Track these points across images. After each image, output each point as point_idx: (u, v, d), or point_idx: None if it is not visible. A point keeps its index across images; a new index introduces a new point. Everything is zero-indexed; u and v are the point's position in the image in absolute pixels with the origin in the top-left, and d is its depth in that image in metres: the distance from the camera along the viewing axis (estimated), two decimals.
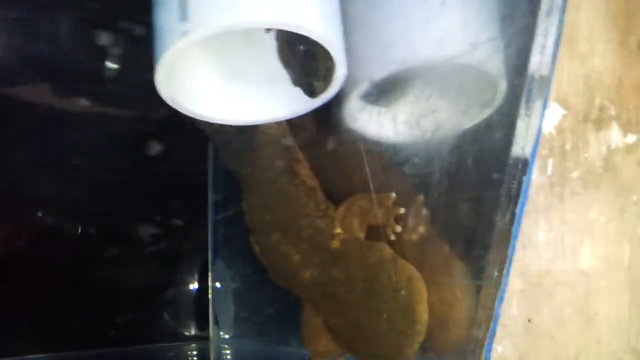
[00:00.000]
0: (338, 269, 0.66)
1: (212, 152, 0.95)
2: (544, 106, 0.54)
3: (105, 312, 0.92)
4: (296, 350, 0.76)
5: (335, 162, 0.72)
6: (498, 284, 0.56)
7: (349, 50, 0.60)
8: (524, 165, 0.55)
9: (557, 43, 0.53)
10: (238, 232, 0.78)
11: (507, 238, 0.56)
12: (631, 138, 0.62)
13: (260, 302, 0.89)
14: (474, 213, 0.58)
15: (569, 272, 0.63)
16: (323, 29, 0.55)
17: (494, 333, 0.57)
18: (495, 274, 0.56)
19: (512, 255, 0.56)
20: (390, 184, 0.65)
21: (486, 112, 0.57)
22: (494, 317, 0.56)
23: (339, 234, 0.68)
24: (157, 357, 0.96)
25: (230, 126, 0.69)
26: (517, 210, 0.55)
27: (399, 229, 0.64)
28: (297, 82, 0.62)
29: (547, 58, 0.53)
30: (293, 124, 0.73)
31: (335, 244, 0.68)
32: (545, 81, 0.53)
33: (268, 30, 0.63)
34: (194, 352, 0.98)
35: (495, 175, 0.56)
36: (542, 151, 0.60)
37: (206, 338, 0.98)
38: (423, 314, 0.59)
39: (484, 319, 0.57)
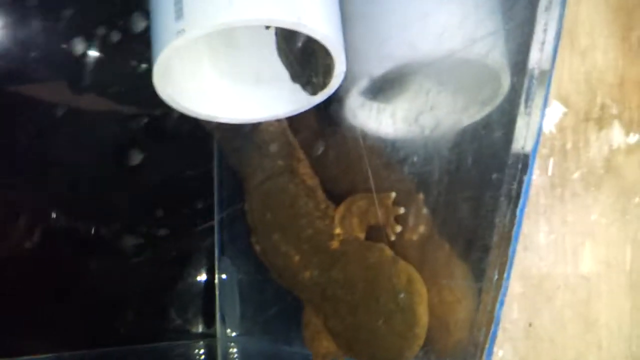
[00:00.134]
0: (337, 270, 0.65)
1: (217, 151, 0.94)
2: (545, 104, 0.53)
3: (113, 311, 0.92)
4: (300, 350, 0.75)
5: (336, 160, 0.71)
6: (499, 287, 0.55)
7: (347, 45, 0.59)
8: (524, 165, 0.54)
9: (557, 38, 0.51)
10: (243, 231, 0.77)
11: (507, 240, 0.55)
12: (633, 138, 0.60)
13: (264, 300, 0.88)
14: (474, 214, 0.57)
15: (569, 276, 0.61)
16: (321, 25, 0.55)
17: (494, 337, 0.55)
18: (496, 276, 0.55)
19: (512, 257, 0.55)
20: (391, 182, 0.64)
21: (486, 110, 0.56)
22: (495, 321, 0.55)
23: (338, 234, 0.67)
24: (166, 355, 0.95)
25: (231, 124, 0.68)
26: (518, 212, 0.54)
27: (399, 229, 0.63)
28: (296, 79, 0.61)
29: (547, 54, 0.52)
30: (293, 122, 0.72)
31: (334, 244, 0.67)
32: (546, 78, 0.52)
33: (267, 26, 0.62)
34: (202, 350, 0.97)
35: (495, 175, 0.55)
36: (543, 150, 0.58)
37: (213, 335, 0.97)
38: (423, 316, 0.59)
39: (484, 322, 0.55)
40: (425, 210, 0.61)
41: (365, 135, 0.66)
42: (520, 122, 0.53)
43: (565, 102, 0.59)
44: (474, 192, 0.57)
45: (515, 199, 0.54)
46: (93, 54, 0.82)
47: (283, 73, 0.63)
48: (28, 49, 0.82)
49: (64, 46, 0.81)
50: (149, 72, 0.57)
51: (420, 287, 0.59)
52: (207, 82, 0.65)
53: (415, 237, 0.62)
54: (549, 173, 0.60)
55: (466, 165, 0.57)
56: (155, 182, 0.93)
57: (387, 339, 0.60)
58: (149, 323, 0.95)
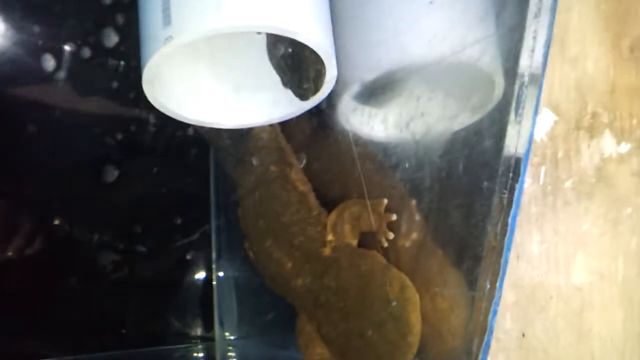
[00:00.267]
0: (330, 277, 0.64)
1: (213, 154, 0.93)
2: (535, 112, 0.51)
3: (112, 315, 0.91)
4: (296, 354, 0.73)
5: (329, 165, 0.70)
6: (491, 296, 0.54)
7: (339, 50, 0.58)
8: (516, 173, 0.53)
9: (547, 46, 0.50)
10: (240, 235, 0.76)
11: (499, 248, 0.54)
12: (624, 147, 0.59)
13: (261, 304, 0.88)
14: (466, 222, 0.56)
15: (562, 286, 0.61)
16: (311, 32, 0.54)
17: (488, 347, 0.54)
18: (488, 285, 0.54)
19: (505, 267, 0.54)
20: (383, 187, 0.63)
21: (477, 116, 0.55)
22: (488, 330, 0.54)
23: (330, 241, 0.66)
24: (166, 359, 0.94)
25: (223, 130, 0.67)
26: (510, 220, 0.53)
27: (391, 235, 0.62)
28: (287, 84, 0.60)
29: (537, 61, 0.51)
30: (286, 127, 0.71)
31: (326, 251, 0.66)
32: (536, 85, 0.51)
33: (259, 31, 0.61)
34: (201, 354, 0.96)
35: (486, 183, 0.54)
36: (534, 158, 0.57)
37: (212, 339, 0.96)
38: (416, 324, 0.57)
39: (477, 331, 0.54)
40: (417, 217, 0.61)
41: (357, 140, 0.65)
42: (511, 130, 0.52)
43: (556, 110, 0.58)
44: (465, 199, 0.56)
45: (506, 207, 0.53)
46: (63, 70, 0.80)
47: (275, 78, 0.62)
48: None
49: (34, 62, 0.79)
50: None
51: (413, 295, 0.58)
52: (198, 87, 0.64)
53: (407, 244, 0.61)
54: (541, 181, 0.59)
55: (457, 173, 0.56)
56: (150, 191, 0.93)
57: (379, 347, 0.59)
58: (148, 327, 0.94)
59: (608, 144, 0.60)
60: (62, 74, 0.80)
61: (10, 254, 0.84)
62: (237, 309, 0.95)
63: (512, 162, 0.52)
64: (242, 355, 0.95)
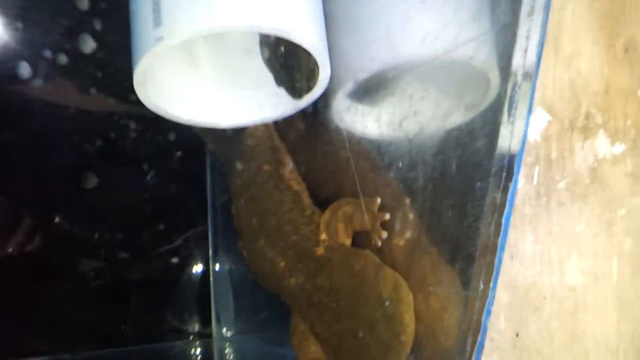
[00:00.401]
0: (323, 276, 0.63)
1: (209, 152, 0.92)
2: (529, 112, 0.50)
3: (110, 312, 0.91)
4: (292, 352, 0.72)
5: (324, 164, 0.69)
6: (485, 296, 0.53)
7: (332, 49, 0.58)
8: (509, 174, 0.52)
9: (540, 45, 0.49)
10: (235, 233, 0.75)
11: (493, 248, 0.53)
12: (618, 148, 0.58)
13: (257, 302, 0.87)
14: (459, 222, 0.55)
15: (556, 286, 0.59)
16: (303, 31, 0.53)
17: (482, 347, 0.54)
18: (482, 286, 0.53)
19: (499, 267, 0.53)
20: (377, 186, 0.62)
21: (471, 114, 0.54)
22: (482, 330, 0.53)
23: (324, 240, 0.65)
24: (164, 355, 0.94)
25: (217, 129, 0.66)
26: (503, 220, 0.52)
27: (385, 234, 0.61)
28: (280, 83, 0.59)
29: (531, 61, 0.50)
30: (281, 126, 0.70)
31: (320, 250, 0.65)
32: (529, 85, 0.50)
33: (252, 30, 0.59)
34: (198, 350, 0.96)
35: (479, 183, 0.53)
36: (528, 159, 0.56)
37: (210, 335, 0.96)
38: (409, 324, 0.56)
39: (471, 331, 0.54)
40: (411, 216, 0.60)
41: (351, 139, 0.64)
42: (504, 130, 0.51)
43: (549, 110, 0.57)
44: (459, 199, 0.55)
45: (500, 207, 0.52)
46: (39, 78, 0.79)
47: (268, 77, 0.61)
48: None
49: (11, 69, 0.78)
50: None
51: (406, 295, 0.57)
52: (190, 86, 0.64)
53: (401, 243, 0.61)
54: (535, 182, 0.58)
55: (451, 172, 0.55)
56: (147, 191, 0.92)
57: (373, 347, 0.58)
58: (146, 324, 0.93)
59: (602, 145, 0.59)
60: (38, 81, 0.78)
61: (10, 249, 0.82)
62: (234, 306, 0.94)
63: (506, 162, 0.51)
64: (238, 351, 0.95)
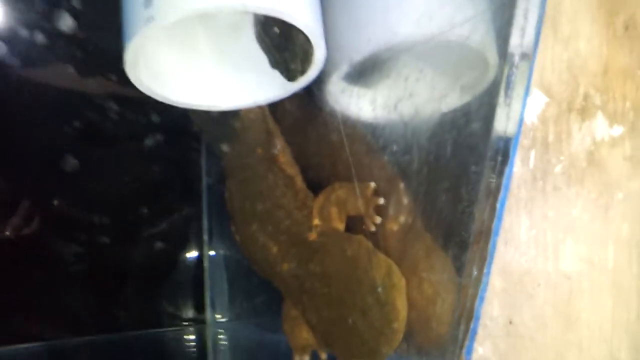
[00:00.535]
0: (315, 262, 0.61)
1: (203, 136, 0.90)
2: (526, 93, 0.48)
3: (106, 298, 0.89)
4: (285, 338, 0.71)
5: (319, 147, 0.67)
6: (478, 283, 0.52)
7: (327, 30, 0.56)
8: (505, 157, 0.50)
9: (538, 24, 0.47)
10: (229, 218, 0.73)
11: (487, 234, 0.52)
12: (617, 130, 0.56)
13: (251, 288, 0.86)
14: (454, 206, 0.54)
15: (550, 273, 0.58)
16: (297, 11, 0.51)
17: (475, 333, 0.53)
18: (475, 272, 0.52)
19: (492, 252, 0.52)
20: (372, 170, 0.60)
21: (467, 97, 0.53)
22: (475, 317, 0.52)
23: (317, 225, 0.63)
24: (158, 341, 0.93)
25: (211, 111, 0.64)
26: (498, 205, 0.51)
27: (378, 219, 0.59)
28: (274, 65, 0.57)
29: (528, 41, 0.48)
30: (276, 108, 0.68)
31: (313, 235, 0.63)
32: (527, 66, 0.48)
33: (246, 11, 0.57)
34: (192, 336, 0.94)
35: (474, 167, 0.51)
36: (525, 141, 0.55)
37: (204, 322, 0.95)
38: (401, 311, 0.55)
39: (464, 318, 0.53)
40: (406, 200, 0.58)
41: (346, 122, 0.62)
42: (501, 112, 0.49)
43: (547, 91, 0.56)
44: (453, 183, 0.53)
45: (495, 191, 0.51)
46: (16, 57, 0.76)
47: (263, 59, 0.59)
48: None
49: None
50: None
51: (399, 281, 0.56)
52: (184, 68, 0.61)
53: (395, 227, 0.59)
54: (531, 165, 0.56)
55: (446, 156, 0.54)
56: (141, 175, 0.90)
57: (365, 333, 0.56)
58: (142, 310, 0.92)
59: (600, 127, 0.57)
60: (15, 60, 0.75)
61: (7, 233, 0.80)
62: (228, 292, 0.93)
63: (501, 145, 0.50)
64: (232, 337, 0.94)
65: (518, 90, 0.48)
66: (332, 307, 0.59)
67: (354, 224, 0.62)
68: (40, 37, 0.73)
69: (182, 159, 0.92)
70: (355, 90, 0.61)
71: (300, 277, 0.63)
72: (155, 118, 0.82)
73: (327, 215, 0.63)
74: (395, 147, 0.58)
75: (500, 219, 0.51)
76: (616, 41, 0.57)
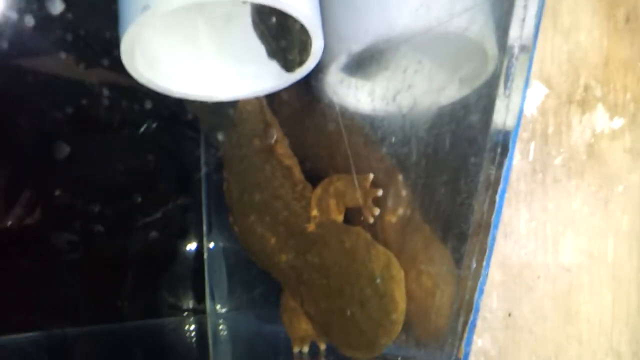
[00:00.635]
0: (313, 253, 0.60)
1: (202, 126, 0.89)
2: (526, 85, 0.47)
3: (106, 288, 0.87)
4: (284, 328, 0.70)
5: (317, 138, 0.66)
6: (477, 275, 0.51)
7: (326, 20, 0.54)
8: (504, 149, 0.49)
9: (538, 15, 0.46)
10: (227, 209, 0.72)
11: (486, 226, 0.51)
12: (617, 122, 0.55)
13: (250, 278, 0.85)
14: (453, 199, 0.52)
15: (550, 266, 0.58)
16: (295, 0, 0.49)
17: (474, 326, 0.52)
18: (474, 265, 0.51)
19: (492, 245, 0.51)
20: (370, 161, 0.59)
21: (467, 89, 0.51)
22: (474, 310, 0.51)
23: (315, 216, 0.62)
24: (159, 331, 0.91)
25: (209, 102, 0.63)
26: (498, 197, 0.50)
27: (377, 211, 0.58)
28: (272, 55, 0.56)
29: (528, 32, 0.47)
30: (274, 99, 0.67)
31: (311, 227, 0.62)
32: (527, 57, 0.47)
33: (244, 0, 0.56)
34: (192, 326, 0.93)
35: (473, 159, 0.50)
36: (524, 134, 0.54)
37: (204, 312, 0.93)
38: (400, 302, 0.54)
39: (463, 310, 0.52)
40: (404, 192, 0.57)
41: (344, 113, 0.61)
42: (500, 104, 0.48)
43: (547, 83, 0.54)
44: (452, 175, 0.52)
45: (494, 184, 0.49)
46: (4, 40, 0.74)
47: (260, 50, 0.58)
48: None
49: None
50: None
51: (398, 272, 0.55)
52: (181, 58, 0.60)
53: (394, 219, 0.58)
54: (530, 158, 0.55)
55: (444, 148, 0.53)
56: (140, 166, 0.88)
57: (363, 325, 0.55)
58: (142, 300, 0.90)
59: (600, 119, 0.56)
60: (3, 43, 0.74)
61: (10, 223, 0.79)
62: (228, 282, 0.92)
63: (501, 137, 0.49)
64: (232, 328, 0.92)
65: (517, 82, 0.47)
66: (330, 298, 0.58)
67: (352, 216, 0.61)
68: (29, 20, 0.72)
69: (181, 149, 0.91)
70: (354, 81, 0.60)
71: (298, 268, 0.62)
72: (152, 107, 0.81)
73: (325, 206, 0.62)
74: (393, 139, 0.57)
75: (499, 212, 0.50)
76: (617, 33, 0.55)
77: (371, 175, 0.58)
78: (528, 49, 0.47)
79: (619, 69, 0.55)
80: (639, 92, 0.55)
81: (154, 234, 0.89)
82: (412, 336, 0.56)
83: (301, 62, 0.55)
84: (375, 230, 0.58)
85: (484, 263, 0.50)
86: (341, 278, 0.57)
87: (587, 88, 0.55)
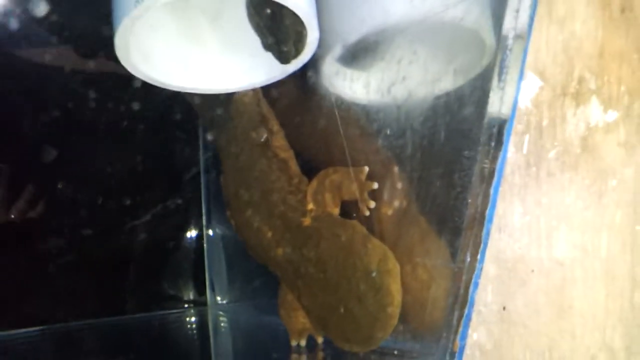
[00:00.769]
0: (310, 247, 0.60)
1: (200, 119, 0.89)
2: (520, 77, 0.46)
3: (109, 282, 0.88)
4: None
5: (313, 130, 0.66)
6: (472, 269, 0.51)
7: (321, 11, 0.53)
8: (498, 142, 0.48)
9: (533, 5, 0.44)
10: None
11: (481, 220, 0.50)
12: (612, 115, 0.53)
13: (250, 270, 0.84)
14: (447, 192, 0.52)
15: (544, 260, 0.56)
16: None
17: (469, 319, 0.52)
18: (469, 258, 0.51)
19: (486, 239, 0.51)
20: (367, 153, 0.59)
21: (461, 80, 0.50)
22: (469, 303, 0.51)
23: (311, 210, 0.61)
24: (160, 324, 0.91)
25: (206, 95, 0.62)
26: (492, 191, 0.49)
27: (372, 204, 0.58)
28: (267, 47, 0.55)
29: (523, 22, 0.45)
30: (271, 91, 0.66)
31: (307, 220, 0.62)
32: (521, 48, 0.46)
33: None
34: (193, 318, 0.94)
35: (467, 152, 0.49)
36: (518, 126, 0.53)
37: (205, 304, 0.94)
38: (396, 296, 0.53)
39: (458, 304, 0.52)
40: (400, 184, 0.57)
41: (340, 105, 0.61)
42: (494, 96, 0.47)
43: (541, 74, 0.53)
44: (447, 168, 0.52)
45: (488, 177, 0.49)
46: None
47: (256, 41, 0.57)
48: None
49: None
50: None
51: (393, 266, 0.54)
52: (177, 51, 0.59)
53: (390, 212, 0.58)
54: (524, 151, 0.54)
55: (439, 141, 0.52)
56: (144, 161, 0.88)
57: (360, 318, 0.55)
58: (143, 293, 0.91)
59: (595, 112, 0.54)
60: None
61: (12, 216, 0.79)
62: (227, 273, 0.92)
63: (495, 130, 0.48)
64: (232, 319, 0.92)
65: (512, 73, 0.47)
66: (327, 292, 0.58)
67: (348, 208, 0.61)
68: (13, 23, 0.70)
69: (180, 143, 0.91)
70: (349, 72, 0.60)
71: (295, 262, 0.61)
72: (150, 100, 0.80)
73: (321, 200, 0.61)
74: (389, 131, 0.56)
75: (494, 205, 0.49)
76: (612, 23, 0.54)
77: (366, 168, 0.58)
78: (522, 40, 0.46)
79: (613, 61, 0.54)
80: (634, 84, 0.54)
81: (154, 227, 0.89)
82: (408, 329, 0.55)
83: (296, 54, 0.54)
84: (372, 223, 0.57)
85: (479, 257, 0.50)
86: (337, 272, 0.56)
87: (581, 80, 0.54)
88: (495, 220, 0.52)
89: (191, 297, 0.94)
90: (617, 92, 0.54)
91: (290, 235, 0.62)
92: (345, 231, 0.57)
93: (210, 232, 0.93)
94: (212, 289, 0.93)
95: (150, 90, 0.64)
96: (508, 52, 0.46)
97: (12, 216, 0.78)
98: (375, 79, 0.57)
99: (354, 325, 0.55)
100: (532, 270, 0.56)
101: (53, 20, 0.70)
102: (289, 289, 0.65)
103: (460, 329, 0.52)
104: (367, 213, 0.58)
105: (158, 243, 0.91)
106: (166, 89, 0.59)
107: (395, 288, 0.53)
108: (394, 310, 0.53)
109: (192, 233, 0.93)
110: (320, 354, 0.66)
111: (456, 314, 0.52)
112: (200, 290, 0.93)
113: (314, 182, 0.62)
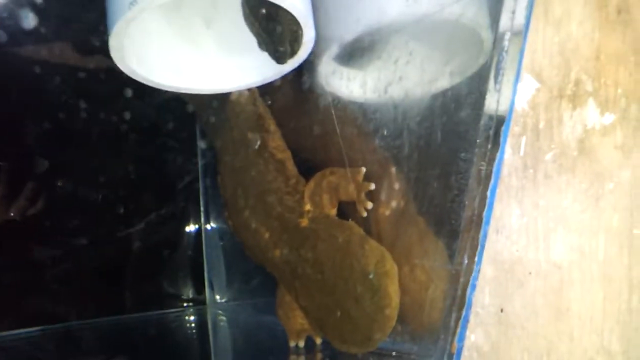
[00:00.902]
0: (307, 248, 0.59)
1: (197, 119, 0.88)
2: (516, 78, 0.45)
3: (109, 282, 0.87)
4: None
5: (310, 130, 0.65)
6: (470, 271, 0.50)
7: (317, 10, 0.53)
8: (495, 144, 0.48)
9: (529, 6, 0.43)
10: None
11: (478, 222, 0.49)
12: (608, 118, 0.53)
13: (248, 270, 0.83)
14: (444, 194, 0.51)
15: (541, 262, 0.56)
16: None
17: (466, 321, 0.51)
18: (466, 260, 0.50)
19: (484, 241, 0.50)
20: (363, 153, 0.58)
21: (458, 78, 0.49)
22: (467, 305, 0.51)
23: (308, 211, 0.61)
24: (160, 323, 0.90)
25: (203, 95, 0.61)
26: (489, 193, 0.49)
27: (370, 205, 0.57)
28: (263, 47, 0.55)
29: (519, 23, 0.44)
30: (266, 91, 0.65)
31: (304, 221, 0.61)
32: (517, 50, 0.45)
33: None
34: (192, 317, 0.93)
35: (464, 154, 0.49)
36: (515, 128, 0.52)
37: (204, 302, 0.93)
38: (394, 298, 0.53)
39: (456, 306, 0.51)
40: (397, 185, 0.56)
41: (337, 105, 0.60)
42: (491, 98, 0.47)
43: (538, 76, 0.53)
44: (444, 170, 0.51)
45: (485, 179, 0.48)
46: None
47: (252, 41, 0.57)
48: None
49: None
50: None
51: (391, 267, 0.53)
52: (172, 52, 0.59)
53: (387, 212, 0.57)
54: (521, 153, 0.54)
55: (436, 142, 0.51)
56: (142, 163, 0.87)
57: (357, 319, 0.54)
58: (143, 292, 0.90)
59: (591, 114, 0.54)
60: None
61: (12, 215, 0.78)
62: (226, 273, 0.91)
63: (492, 132, 0.47)
64: (231, 318, 0.92)
65: (508, 75, 0.46)
66: (324, 293, 0.57)
67: (346, 209, 0.60)
68: (2, 35, 0.69)
69: (179, 145, 0.89)
70: (346, 72, 0.59)
71: (293, 263, 0.60)
72: (148, 99, 0.80)
73: (318, 201, 0.61)
74: (386, 131, 0.56)
75: (491, 207, 0.48)
76: (609, 25, 0.53)
77: (363, 169, 0.57)
78: (518, 42, 0.45)
79: (610, 63, 0.53)
80: (630, 87, 0.53)
81: (154, 227, 0.88)
82: (406, 330, 0.55)
83: (293, 54, 0.53)
84: (369, 224, 0.57)
85: (476, 258, 0.49)
86: (335, 273, 0.55)
87: (578, 82, 0.53)
88: (493, 222, 0.52)
89: (190, 295, 0.93)
90: (614, 94, 0.53)
91: (287, 236, 0.61)
92: (343, 232, 0.57)
93: (209, 231, 0.92)
94: (211, 288, 0.93)
95: (148, 94, 0.64)
96: (504, 53, 0.45)
97: (12, 214, 0.78)
98: (372, 78, 0.57)
99: (351, 327, 0.55)
100: (530, 273, 0.56)
101: (46, 24, 0.70)
102: (286, 289, 0.64)
103: (458, 331, 0.51)
104: (365, 214, 0.57)
105: (157, 242, 0.90)
106: (162, 94, 0.59)
107: (392, 289, 0.53)
108: (392, 311, 0.52)
109: (190, 233, 0.92)
110: (319, 355, 0.65)
111: (454, 315, 0.51)
112: (199, 289, 0.93)
113: (311, 183, 0.61)
